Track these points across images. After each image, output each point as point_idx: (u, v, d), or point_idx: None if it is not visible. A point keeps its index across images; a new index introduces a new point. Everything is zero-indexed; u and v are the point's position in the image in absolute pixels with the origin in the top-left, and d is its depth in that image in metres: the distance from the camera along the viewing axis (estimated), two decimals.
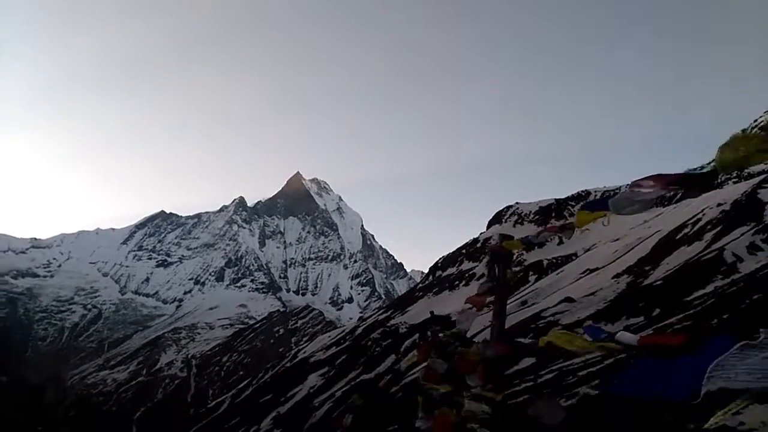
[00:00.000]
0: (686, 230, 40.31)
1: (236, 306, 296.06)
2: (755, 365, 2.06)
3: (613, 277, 38.89)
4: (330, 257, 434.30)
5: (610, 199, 3.73)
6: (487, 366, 5.51)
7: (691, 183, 3.06)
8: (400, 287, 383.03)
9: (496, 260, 5.68)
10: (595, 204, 4.10)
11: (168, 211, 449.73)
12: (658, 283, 28.38)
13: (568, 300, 34.05)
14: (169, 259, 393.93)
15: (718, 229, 33.28)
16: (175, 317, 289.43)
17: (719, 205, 39.59)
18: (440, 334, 6.77)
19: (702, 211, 42.53)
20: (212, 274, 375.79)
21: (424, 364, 6.76)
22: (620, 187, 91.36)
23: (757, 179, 41.20)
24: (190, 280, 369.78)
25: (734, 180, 56.17)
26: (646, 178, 3.32)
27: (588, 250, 62.62)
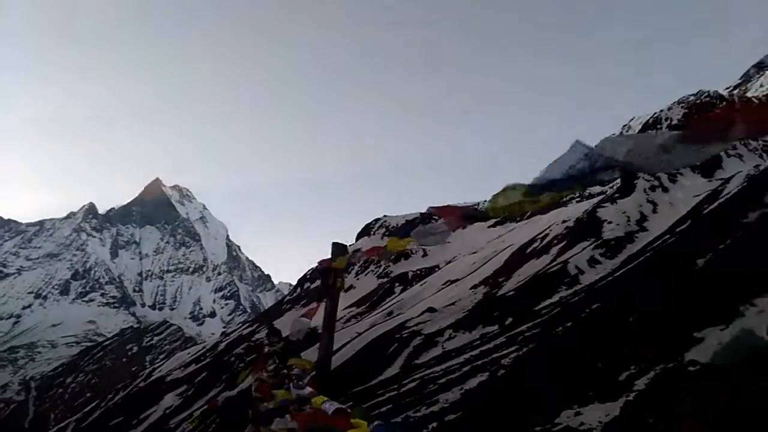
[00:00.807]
0: (536, 244, 43.55)
1: (83, 322, 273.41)
2: None
3: (471, 288, 40.87)
4: (191, 269, 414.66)
5: (413, 230, 4.33)
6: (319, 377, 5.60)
7: (475, 216, 3.57)
8: (267, 300, 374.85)
9: (329, 271, 5.78)
10: (401, 232, 4.81)
11: (6, 217, 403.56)
12: (511, 293, 30.23)
13: (431, 310, 35.17)
14: (5, 270, 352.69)
15: (563, 243, 36.27)
16: (11, 335, 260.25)
17: (564, 221, 43.30)
18: (266, 349, 6.81)
19: (549, 227, 46.28)
20: (56, 287, 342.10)
21: (257, 377, 6.75)
22: (479, 202, 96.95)
23: (596, 199, 45.63)
24: (29, 293, 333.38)
25: (577, 199, 61.78)
26: (439, 208, 3.81)
27: (449, 262, 65.47)
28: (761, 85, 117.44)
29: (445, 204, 3.78)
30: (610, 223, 31.07)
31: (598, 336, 12.17)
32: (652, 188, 33.58)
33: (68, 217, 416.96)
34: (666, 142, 2.15)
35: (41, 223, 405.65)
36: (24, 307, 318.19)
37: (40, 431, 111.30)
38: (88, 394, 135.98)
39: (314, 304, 6.38)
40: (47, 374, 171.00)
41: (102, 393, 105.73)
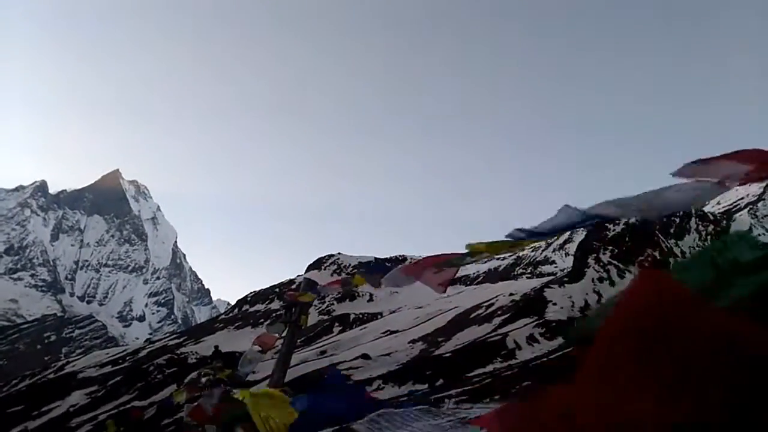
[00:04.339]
0: (480, 311, 43.89)
1: (5, 300, 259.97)
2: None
3: (409, 342, 40.72)
4: (130, 268, 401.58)
5: (385, 276, 4.29)
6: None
7: (453, 265, 3.49)
8: (202, 315, 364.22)
9: (295, 305, 5.68)
10: (372, 270, 4.77)
11: None
12: (447, 355, 30.25)
13: (365, 357, 34.83)
14: None
15: (506, 316, 36.68)
16: None
17: (511, 294, 43.91)
18: (206, 372, 6.56)
19: (497, 296, 46.79)
20: None
21: (194, 400, 6.46)
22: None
23: (546, 279, 46.59)
24: None
25: (528, 276, 62.95)
26: (417, 262, 3.73)
27: (393, 311, 65.24)
28: None
29: (423, 257, 3.69)
30: (555, 304, 31.67)
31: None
32: (600, 279, 34.53)
33: (17, 189, 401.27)
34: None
35: None
36: None
37: None
38: None
39: (269, 335, 6.18)
40: None
41: (7, 377, 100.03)
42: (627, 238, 37.99)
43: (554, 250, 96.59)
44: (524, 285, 49.26)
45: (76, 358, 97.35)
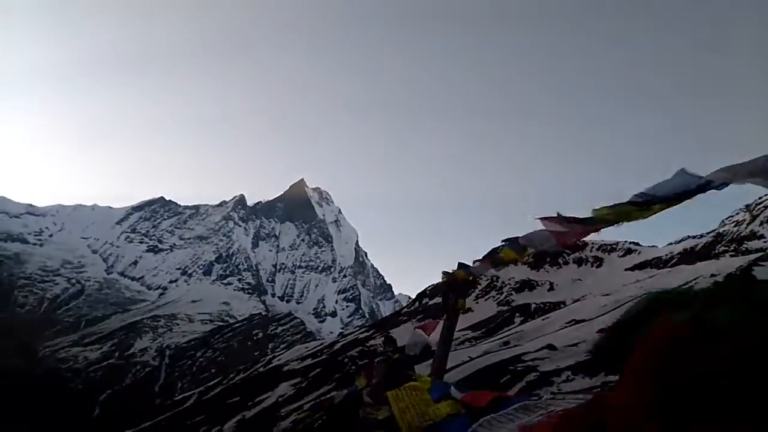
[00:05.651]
0: None
1: (219, 303, 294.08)
2: None
3: (598, 331, 38.54)
4: (320, 268, 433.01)
5: (522, 236, 4.15)
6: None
7: (581, 223, 3.34)
8: (386, 309, 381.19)
9: (452, 289, 5.74)
10: (514, 240, 4.58)
11: (168, 198, 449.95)
12: None
13: (550, 347, 33.72)
14: (160, 246, 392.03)
15: None
16: (156, 305, 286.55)
17: (713, 275, 39.53)
18: (377, 359, 6.85)
19: (695, 279, 42.51)
20: (201, 267, 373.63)
21: (372, 383, 6.82)
22: (618, 243, 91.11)
23: (753, 255, 41.31)
24: (177, 269, 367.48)
25: (731, 253, 56.29)
26: (548, 220, 3.60)
27: (577, 300, 62.36)
28: None
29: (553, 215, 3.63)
30: None
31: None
32: None
33: (220, 204, 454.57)
34: None
35: (197, 207, 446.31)
36: (171, 281, 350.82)
37: (168, 397, 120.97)
38: (213, 370, 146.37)
39: (433, 320, 6.42)
40: (181, 345, 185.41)
41: (225, 371, 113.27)
42: None
43: (761, 223, 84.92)
44: (728, 264, 44.07)
45: (281, 352, 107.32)
